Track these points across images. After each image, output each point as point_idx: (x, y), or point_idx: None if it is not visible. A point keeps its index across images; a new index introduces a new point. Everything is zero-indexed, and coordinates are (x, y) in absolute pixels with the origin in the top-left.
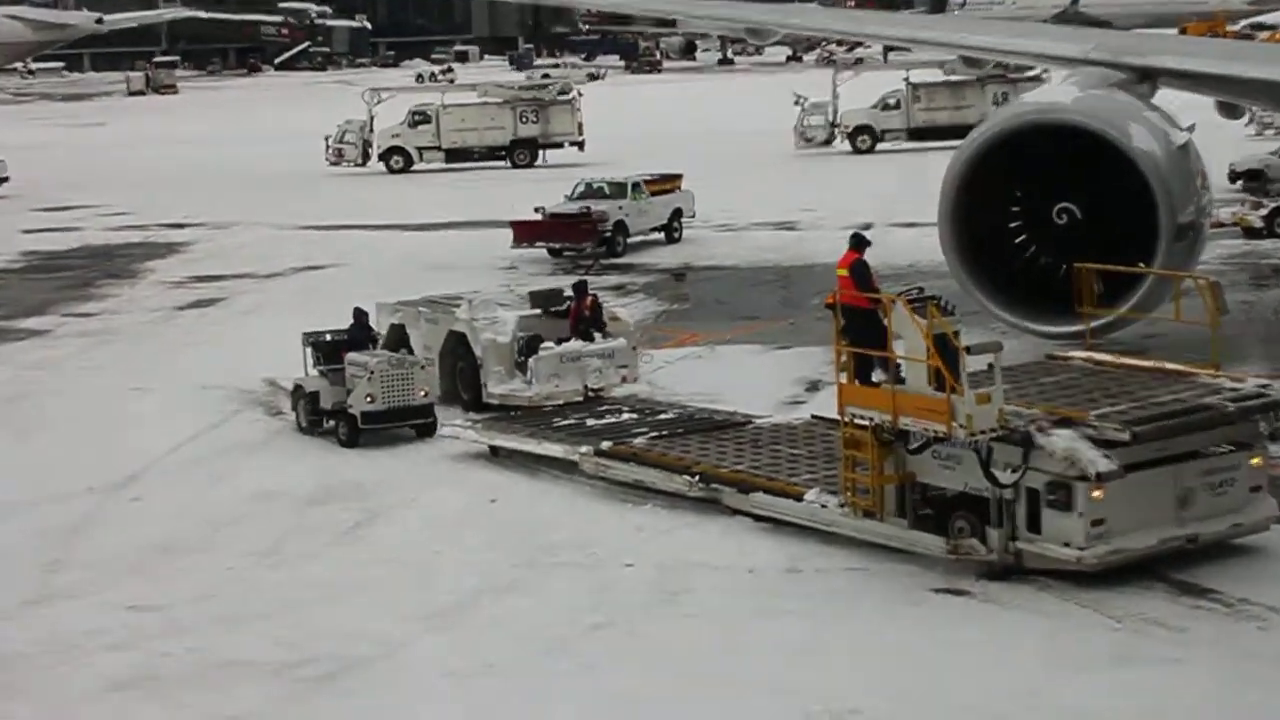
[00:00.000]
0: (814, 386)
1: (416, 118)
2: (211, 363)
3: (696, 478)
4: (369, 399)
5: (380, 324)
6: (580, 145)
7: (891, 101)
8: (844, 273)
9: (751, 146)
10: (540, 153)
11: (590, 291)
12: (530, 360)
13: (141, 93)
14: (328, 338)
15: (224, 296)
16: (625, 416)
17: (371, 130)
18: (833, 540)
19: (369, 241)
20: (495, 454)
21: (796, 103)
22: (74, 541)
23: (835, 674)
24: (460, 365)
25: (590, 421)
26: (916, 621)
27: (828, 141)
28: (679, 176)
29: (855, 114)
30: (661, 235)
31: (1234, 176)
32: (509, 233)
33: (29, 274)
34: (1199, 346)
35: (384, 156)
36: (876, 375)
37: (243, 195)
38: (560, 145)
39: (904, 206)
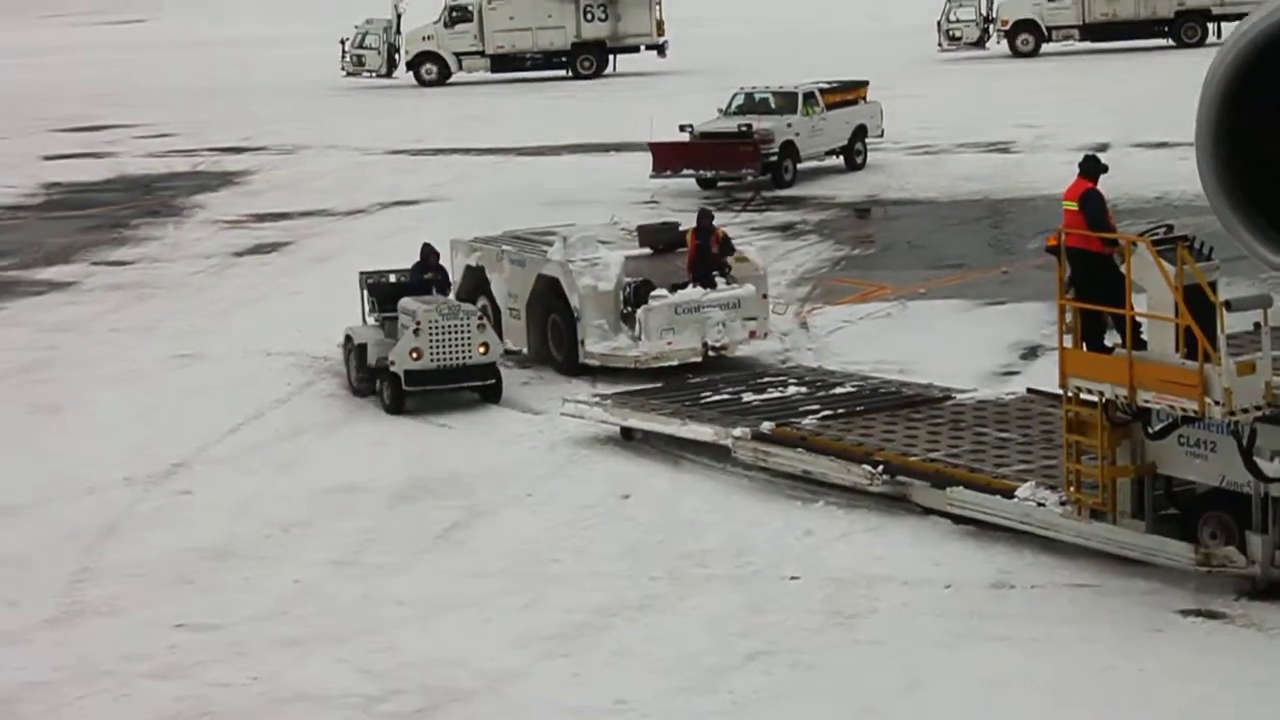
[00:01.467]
0: (1031, 353)
1: (454, 14)
2: (276, 323)
3: (880, 468)
4: (414, 354)
5: (454, 266)
6: (661, 50)
7: None
8: (1072, 206)
9: (883, 49)
10: (610, 59)
11: (716, 225)
12: (639, 311)
13: None
14: (391, 278)
15: (291, 240)
16: (791, 390)
17: (398, 32)
18: (1052, 548)
19: (473, 169)
20: (629, 438)
21: None
22: (107, 546)
23: (1054, 719)
24: (552, 317)
25: (747, 397)
26: (1158, 653)
27: (980, 42)
28: (864, 85)
29: (1015, 6)
30: (840, 159)
31: None
32: (648, 158)
33: (50, 211)
34: None
35: (413, 64)
36: (1110, 338)
37: (316, 110)
38: (635, 49)
39: (1153, 119)
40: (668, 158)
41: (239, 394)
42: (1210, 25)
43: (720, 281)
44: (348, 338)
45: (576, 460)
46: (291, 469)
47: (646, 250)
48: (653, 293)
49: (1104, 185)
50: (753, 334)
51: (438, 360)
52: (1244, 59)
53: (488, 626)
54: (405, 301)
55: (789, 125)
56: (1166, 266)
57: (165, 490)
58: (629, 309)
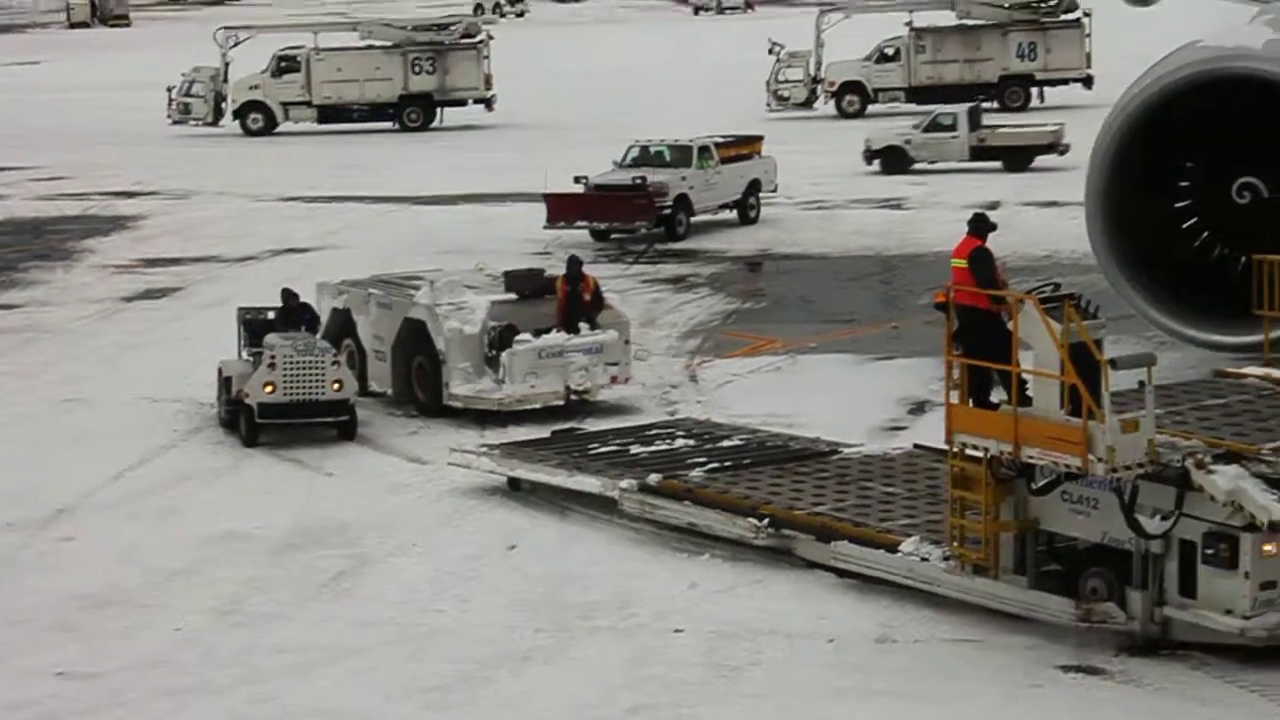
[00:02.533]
0: (919, 408)
1: (282, 65)
2: (164, 369)
3: (765, 521)
4: (268, 388)
5: (321, 308)
6: (489, 104)
7: (890, 51)
8: (960, 263)
9: (709, 103)
10: (437, 112)
11: (587, 273)
12: (503, 355)
13: (85, 24)
14: (269, 315)
15: (181, 286)
16: (679, 443)
17: (225, 80)
18: (935, 603)
19: (366, 218)
20: (516, 488)
21: (771, 52)
22: None
23: None
24: (418, 359)
25: (635, 449)
26: (1038, 708)
27: (808, 102)
28: (758, 139)
29: (843, 67)
30: (734, 213)
31: (870, 156)
32: (542, 209)
33: None
34: None
35: (240, 113)
36: (996, 395)
37: (209, 156)
38: (463, 103)
39: (1042, 181)
40: (562, 209)
41: (124, 440)
42: (1034, 90)
43: (584, 327)
44: (219, 370)
45: (463, 510)
46: (175, 516)
47: (512, 295)
48: (517, 337)
49: (993, 243)
50: (614, 379)
51: (290, 394)
52: (1132, 124)
53: (370, 677)
54: (269, 337)
55: (683, 178)
56: (1053, 324)
57: (47, 536)
58: (494, 352)
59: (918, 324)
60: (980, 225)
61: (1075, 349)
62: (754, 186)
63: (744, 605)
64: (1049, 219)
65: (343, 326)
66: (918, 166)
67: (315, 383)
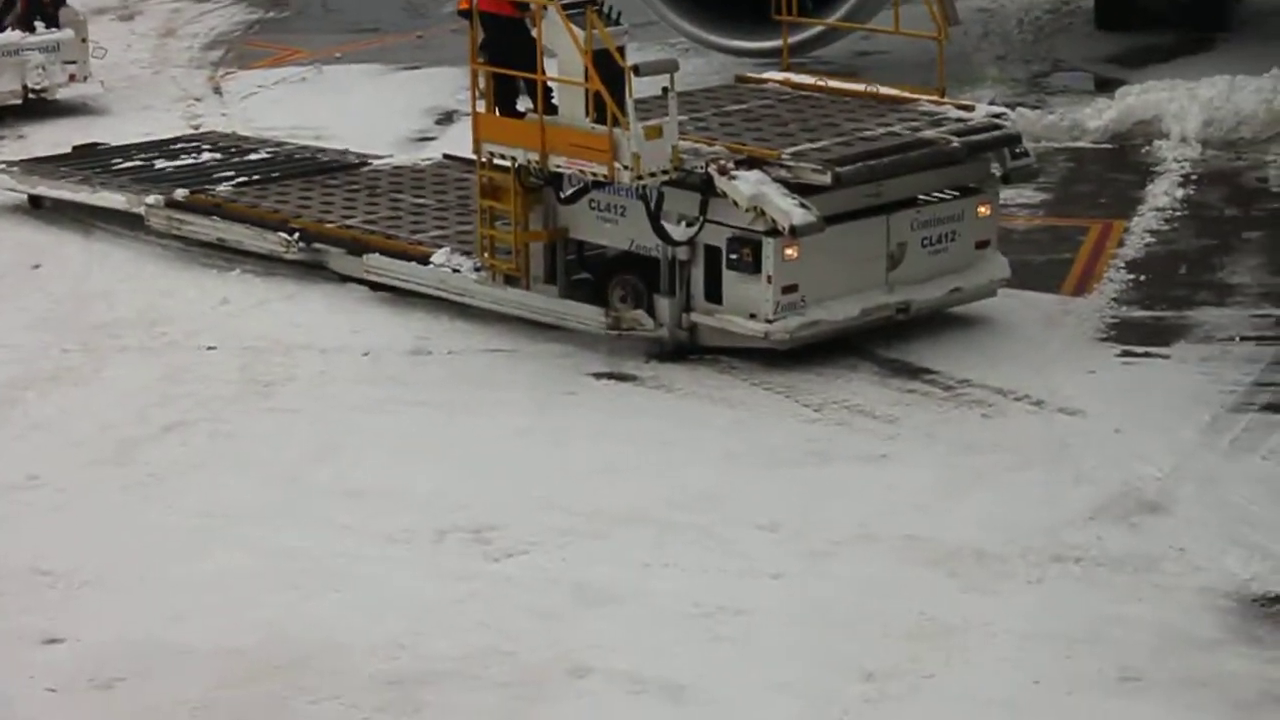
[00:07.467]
0: (447, 118)
1: None
2: None
3: (296, 235)
4: None
5: None
6: None
7: None
8: None
9: None
10: None
11: None
12: None
13: None
14: None
15: None
16: (206, 157)
17: None
18: (469, 314)
19: None
20: (38, 206)
21: None
22: None
23: (464, 481)
24: None
25: (160, 163)
26: (570, 413)
27: None
28: None
29: None
30: None
31: None
32: None
33: None
34: (923, 67)
35: None
36: (523, 103)
37: None
38: None
39: None
40: None
41: None
42: None
43: (39, 25)
44: None
45: None
46: None
47: None
48: None
49: None
50: (73, 77)
51: None
52: None
53: None
54: None
55: None
56: (576, 31)
57: None
58: None
59: (443, 32)
60: None
61: (598, 56)
62: None
63: (277, 320)
64: None
65: None
66: None
67: None
